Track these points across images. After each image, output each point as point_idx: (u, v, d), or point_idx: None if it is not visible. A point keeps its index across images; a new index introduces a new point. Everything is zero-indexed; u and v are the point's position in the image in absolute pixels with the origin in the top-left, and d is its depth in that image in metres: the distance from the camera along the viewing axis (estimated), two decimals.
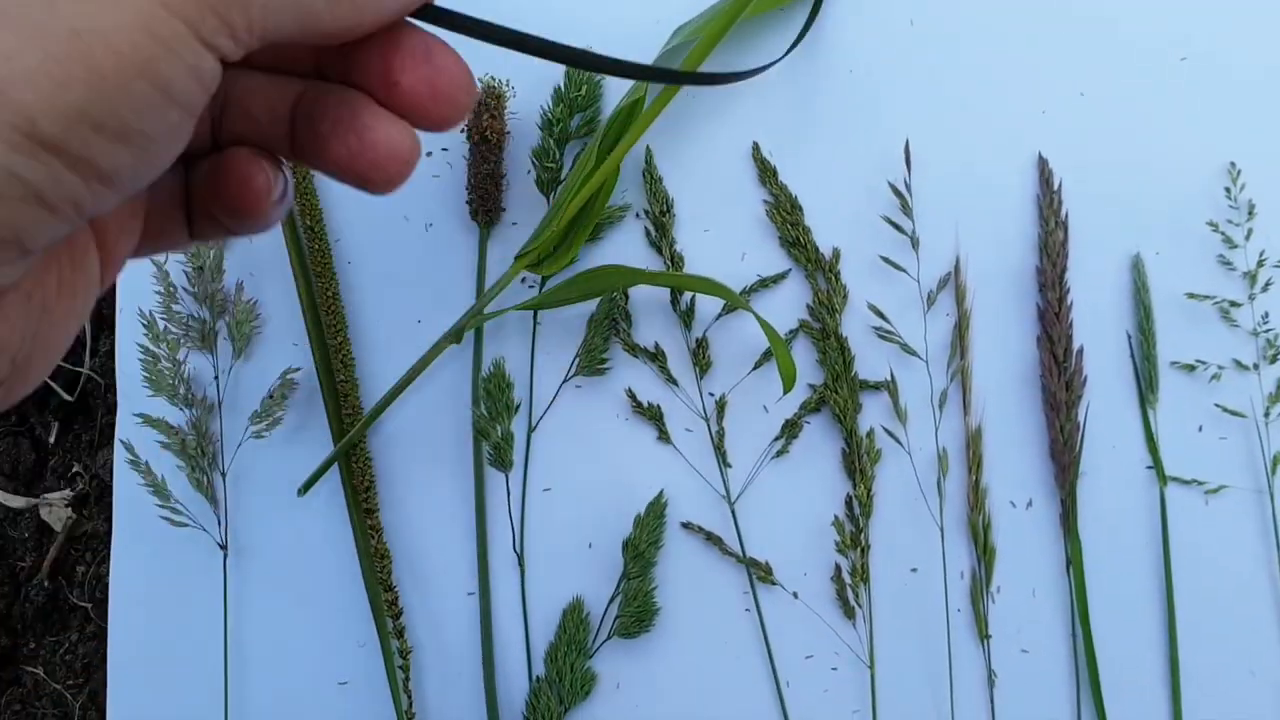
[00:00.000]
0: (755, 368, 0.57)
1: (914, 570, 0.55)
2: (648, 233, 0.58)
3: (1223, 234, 0.56)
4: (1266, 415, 0.55)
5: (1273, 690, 0.54)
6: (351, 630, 0.56)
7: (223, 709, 0.56)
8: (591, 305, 0.57)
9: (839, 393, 0.55)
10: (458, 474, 0.57)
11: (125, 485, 0.58)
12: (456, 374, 0.57)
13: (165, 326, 0.57)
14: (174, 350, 0.58)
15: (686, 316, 0.57)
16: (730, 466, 0.56)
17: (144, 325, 0.57)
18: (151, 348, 0.57)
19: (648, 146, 0.58)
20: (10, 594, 0.62)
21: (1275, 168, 0.57)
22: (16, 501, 0.63)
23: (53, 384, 0.63)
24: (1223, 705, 0.54)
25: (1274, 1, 0.57)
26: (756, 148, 0.58)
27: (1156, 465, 0.55)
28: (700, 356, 0.57)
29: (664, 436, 0.56)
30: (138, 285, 0.59)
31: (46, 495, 0.63)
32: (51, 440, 0.64)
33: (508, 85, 0.57)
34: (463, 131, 0.57)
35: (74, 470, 0.63)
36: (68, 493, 0.63)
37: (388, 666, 0.55)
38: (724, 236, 0.58)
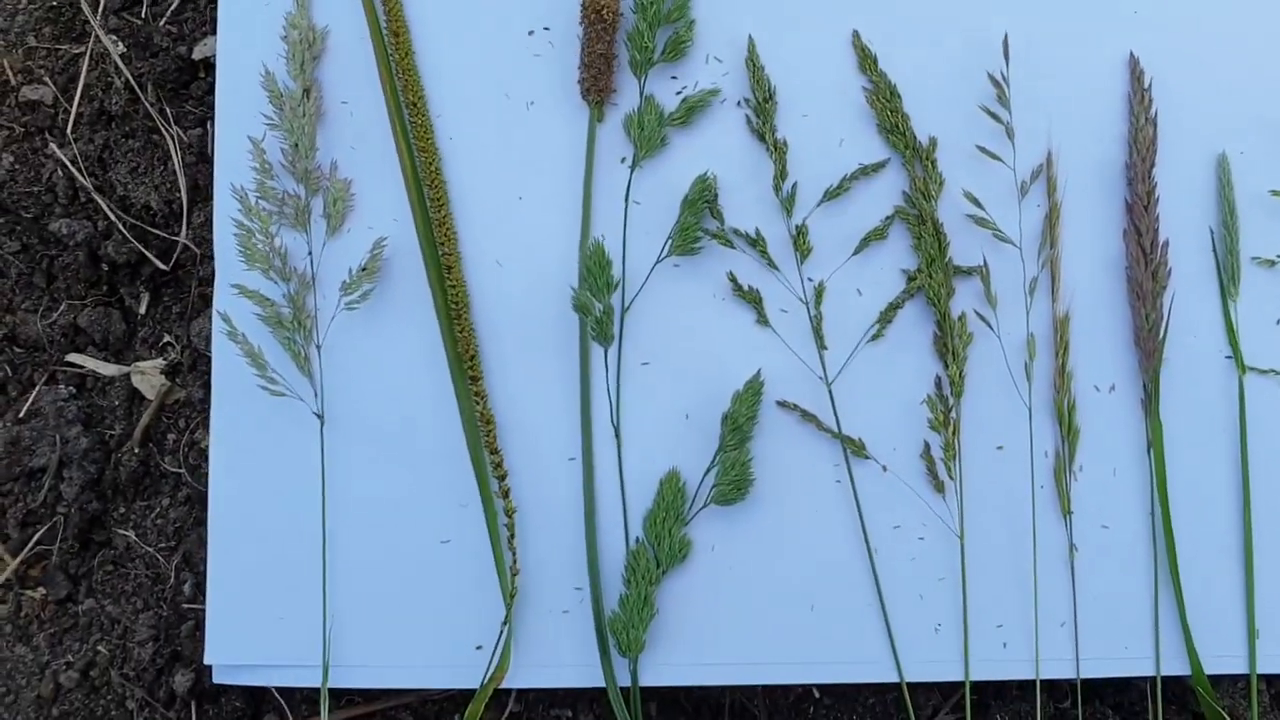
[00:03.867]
0: (855, 253, 0.58)
1: (1000, 448, 0.57)
2: (749, 120, 0.59)
3: None
4: None
5: None
6: (452, 492, 0.57)
7: (321, 565, 0.57)
8: (685, 186, 0.58)
9: (933, 277, 0.57)
10: (558, 346, 0.58)
11: (223, 356, 0.59)
12: (564, 250, 0.59)
13: (260, 203, 0.58)
14: (266, 225, 0.58)
15: (788, 203, 0.58)
16: (827, 349, 0.58)
17: (237, 200, 0.58)
18: (245, 222, 0.58)
19: (750, 35, 0.59)
20: (101, 460, 0.63)
21: None
22: (109, 369, 0.63)
23: (147, 253, 0.63)
24: None
25: None
26: (857, 35, 0.59)
27: (1236, 355, 0.58)
28: (801, 242, 0.58)
29: (762, 319, 0.58)
30: (235, 160, 0.59)
31: (139, 364, 0.63)
32: (142, 311, 0.64)
33: None
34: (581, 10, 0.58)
35: (164, 340, 0.64)
36: (161, 361, 0.63)
37: (490, 526, 0.56)
38: (823, 123, 0.59)
